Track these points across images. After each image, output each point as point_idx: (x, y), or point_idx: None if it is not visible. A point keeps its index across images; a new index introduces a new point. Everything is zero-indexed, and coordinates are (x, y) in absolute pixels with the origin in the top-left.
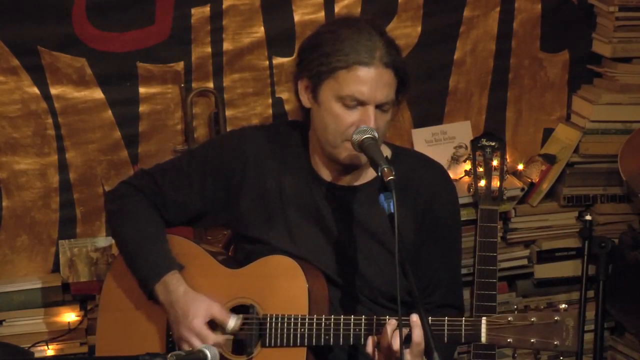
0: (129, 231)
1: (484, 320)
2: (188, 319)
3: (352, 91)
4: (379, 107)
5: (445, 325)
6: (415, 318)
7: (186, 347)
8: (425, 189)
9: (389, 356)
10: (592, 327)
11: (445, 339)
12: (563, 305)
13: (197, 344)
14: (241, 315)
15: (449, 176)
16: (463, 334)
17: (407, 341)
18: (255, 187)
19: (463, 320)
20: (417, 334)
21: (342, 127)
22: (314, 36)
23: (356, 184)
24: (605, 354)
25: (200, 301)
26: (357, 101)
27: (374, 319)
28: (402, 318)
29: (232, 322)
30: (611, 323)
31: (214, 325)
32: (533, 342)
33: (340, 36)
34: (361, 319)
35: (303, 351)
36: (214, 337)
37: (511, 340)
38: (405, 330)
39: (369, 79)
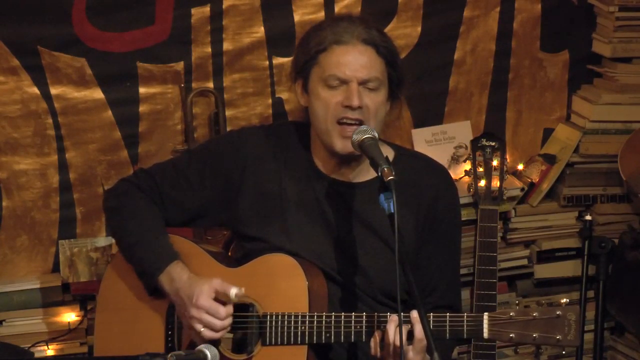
0: (129, 226)
1: (485, 315)
2: (194, 299)
3: (332, 70)
4: (364, 84)
5: (447, 321)
6: (415, 314)
7: (200, 328)
8: (428, 190)
9: (392, 354)
10: (592, 327)
11: (447, 334)
12: (564, 300)
13: (209, 319)
14: (242, 288)
15: (452, 179)
16: (465, 330)
17: (409, 338)
18: (255, 186)
19: (465, 316)
20: (419, 330)
21: (329, 109)
22: (302, 37)
23: (358, 180)
24: (605, 354)
25: (202, 281)
26: (339, 80)
27: (375, 316)
28: (402, 315)
29: (234, 290)
30: (611, 323)
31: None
32: (535, 337)
33: (322, 26)
34: (362, 316)
35: (304, 349)
36: (224, 308)
37: (513, 335)
38: (407, 327)
39: (347, 57)
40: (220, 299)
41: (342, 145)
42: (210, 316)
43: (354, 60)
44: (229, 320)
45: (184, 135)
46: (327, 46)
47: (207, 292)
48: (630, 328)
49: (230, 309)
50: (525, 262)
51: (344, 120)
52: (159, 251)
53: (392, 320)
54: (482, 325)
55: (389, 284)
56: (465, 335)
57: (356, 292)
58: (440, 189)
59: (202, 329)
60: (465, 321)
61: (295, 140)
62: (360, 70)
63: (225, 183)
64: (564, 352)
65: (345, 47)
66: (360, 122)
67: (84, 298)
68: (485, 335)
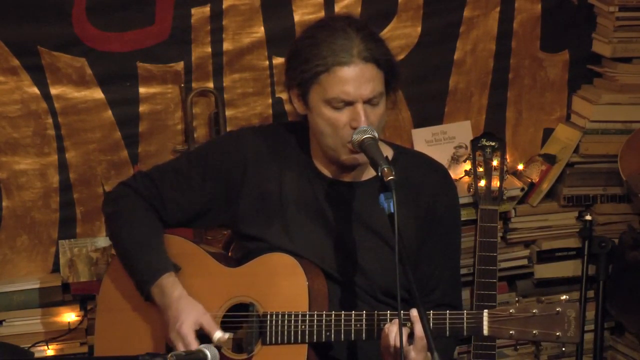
0: (125, 234)
1: (485, 312)
2: (177, 324)
3: (336, 93)
4: (368, 102)
5: (447, 319)
6: (415, 313)
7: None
8: (427, 189)
9: (394, 355)
10: (592, 327)
11: (447, 332)
12: (564, 297)
13: (182, 348)
14: (231, 334)
15: (451, 177)
16: (465, 327)
17: (410, 338)
18: (254, 187)
19: (465, 314)
20: (419, 329)
21: (337, 130)
22: (293, 44)
23: (358, 180)
24: (605, 354)
25: (193, 308)
26: (344, 102)
27: (375, 315)
28: (402, 313)
29: (219, 334)
30: (611, 323)
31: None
32: (535, 333)
33: (317, 40)
34: (362, 315)
35: (304, 348)
36: (196, 345)
37: (513, 332)
38: (407, 329)
39: (351, 78)
40: (204, 331)
41: (349, 161)
42: (182, 347)
43: (357, 82)
44: None
45: (184, 135)
46: (329, 67)
47: (193, 321)
48: (630, 328)
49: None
50: (525, 262)
51: None
52: (151, 262)
53: (393, 324)
54: (482, 322)
55: (389, 283)
56: (465, 332)
57: (356, 291)
58: (439, 187)
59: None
60: (465, 318)
61: (294, 141)
62: (365, 89)
63: (226, 183)
64: (564, 350)
65: (348, 68)
66: None
67: (84, 298)
68: (485, 332)
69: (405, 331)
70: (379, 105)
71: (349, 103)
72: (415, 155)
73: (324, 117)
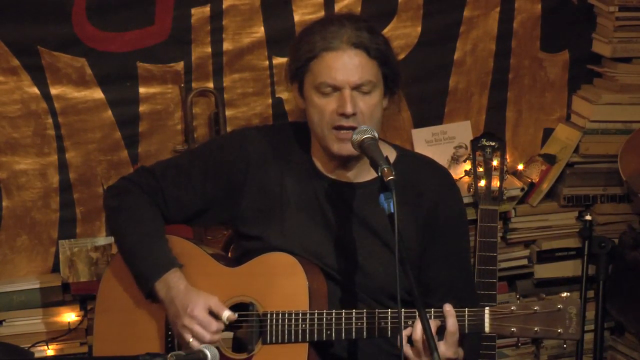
0: (129, 228)
1: (487, 310)
2: (188, 308)
3: (324, 78)
4: (357, 89)
5: None
6: (448, 307)
7: (189, 338)
8: (430, 192)
9: (422, 349)
10: (592, 327)
11: None
12: (565, 294)
13: (200, 330)
14: (236, 313)
15: (454, 180)
16: (466, 325)
17: (440, 332)
18: (256, 186)
19: (466, 311)
20: (452, 323)
21: (324, 116)
22: (293, 40)
23: (359, 181)
24: (605, 354)
25: (199, 294)
26: (331, 87)
27: (376, 313)
28: (404, 312)
29: (227, 313)
30: (611, 323)
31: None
32: (537, 330)
33: (312, 30)
34: (362, 313)
35: (304, 347)
36: (216, 323)
37: (515, 329)
38: (437, 322)
39: (338, 63)
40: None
41: (338, 148)
42: (201, 328)
43: (344, 66)
44: (218, 336)
45: (184, 135)
46: (317, 53)
47: (203, 305)
48: (630, 328)
49: (221, 325)
50: (525, 262)
51: (339, 127)
52: (157, 258)
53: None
54: (483, 319)
55: (389, 284)
56: (466, 329)
57: (356, 291)
58: (441, 190)
59: (191, 340)
60: (466, 316)
61: (295, 141)
62: (352, 75)
63: (227, 182)
64: (565, 346)
65: (335, 53)
66: (355, 129)
67: (84, 298)
68: (487, 329)
69: (434, 324)
70: (370, 94)
71: (337, 89)
72: (419, 158)
73: (313, 104)
